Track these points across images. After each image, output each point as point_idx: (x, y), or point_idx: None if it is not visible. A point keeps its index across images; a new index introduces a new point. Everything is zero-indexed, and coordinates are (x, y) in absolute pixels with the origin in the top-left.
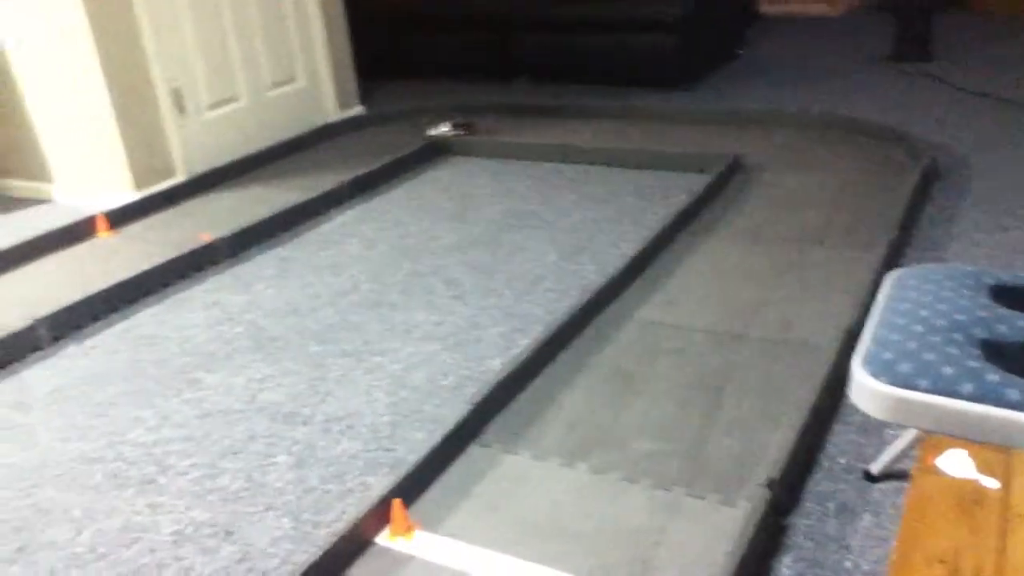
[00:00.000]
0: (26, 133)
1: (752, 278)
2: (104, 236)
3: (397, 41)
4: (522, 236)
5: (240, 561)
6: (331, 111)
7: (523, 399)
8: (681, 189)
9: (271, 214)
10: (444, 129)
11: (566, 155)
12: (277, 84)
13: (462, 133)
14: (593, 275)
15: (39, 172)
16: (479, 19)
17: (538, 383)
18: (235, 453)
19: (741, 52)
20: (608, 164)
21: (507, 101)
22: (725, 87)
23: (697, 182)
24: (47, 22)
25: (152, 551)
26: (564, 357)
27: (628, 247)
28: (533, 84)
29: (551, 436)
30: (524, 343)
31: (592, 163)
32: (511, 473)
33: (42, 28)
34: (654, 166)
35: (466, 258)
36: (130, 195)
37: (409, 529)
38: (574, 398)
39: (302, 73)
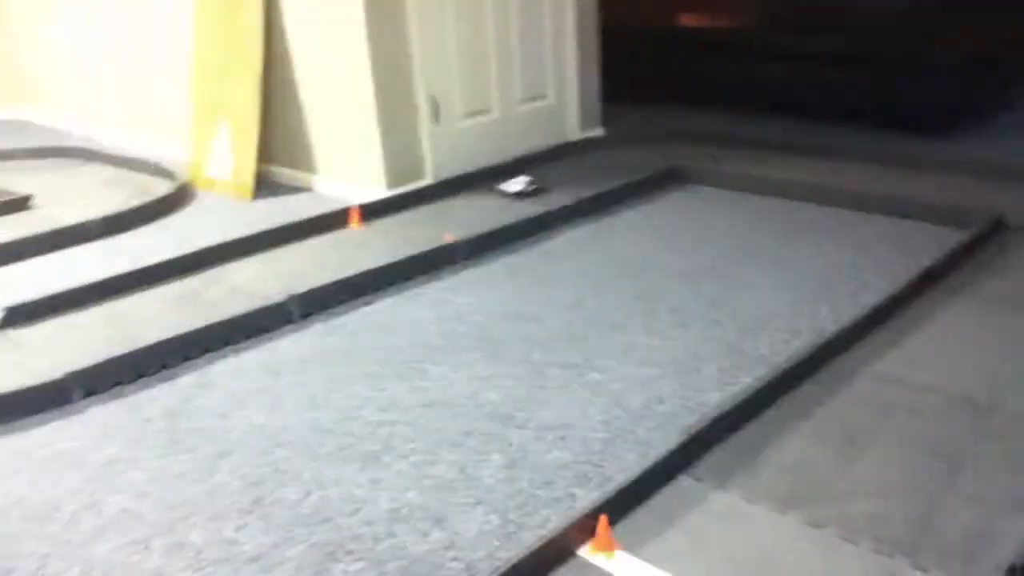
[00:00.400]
0: (298, 127)
1: (1007, 347)
2: (357, 227)
3: (644, 67)
4: (752, 271)
5: (447, 548)
6: (574, 130)
7: (740, 438)
8: (933, 242)
9: (508, 223)
10: (516, 186)
11: (808, 194)
12: (526, 100)
13: (531, 191)
14: (825, 321)
15: (304, 163)
16: (729, 49)
17: (757, 424)
18: (452, 444)
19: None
20: (855, 208)
21: (749, 133)
22: (989, 139)
23: (951, 237)
24: (329, 27)
25: (369, 524)
26: (788, 401)
27: (868, 297)
28: (777, 117)
29: (766, 480)
30: (744, 380)
31: (836, 205)
32: (720, 510)
33: (323, 33)
34: (904, 214)
35: (692, 287)
36: (382, 192)
37: (612, 547)
38: (794, 445)
39: (551, 91)
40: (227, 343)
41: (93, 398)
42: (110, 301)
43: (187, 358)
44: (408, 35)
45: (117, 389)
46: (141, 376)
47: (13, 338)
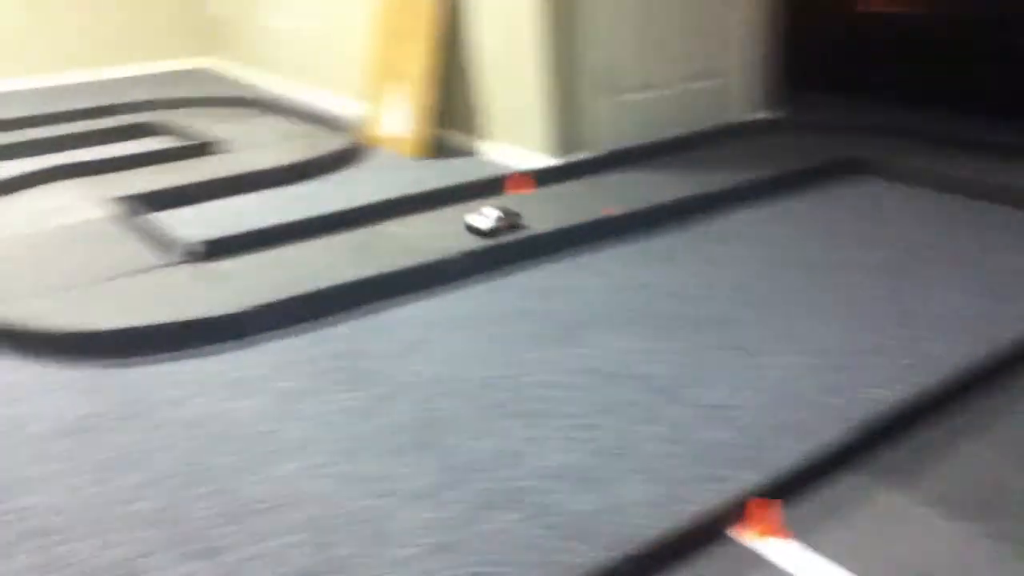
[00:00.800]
0: (469, 91)
1: None
2: (520, 193)
3: (832, 54)
4: (933, 270)
5: (600, 512)
6: (746, 110)
7: (914, 439)
8: None
9: (672, 200)
10: (486, 222)
11: (998, 194)
12: (697, 77)
13: (502, 227)
14: (1012, 327)
15: (474, 127)
16: (921, 40)
17: (933, 427)
18: (613, 413)
19: None
20: None
21: (934, 128)
22: None
23: None
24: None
25: (525, 478)
26: (968, 408)
27: None
28: (967, 115)
29: (938, 485)
30: (922, 381)
31: None
32: (886, 510)
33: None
34: None
35: (865, 281)
36: (547, 160)
37: (769, 532)
38: (971, 453)
39: (723, 70)
40: (397, 293)
41: (273, 332)
42: (290, 244)
43: (358, 304)
44: (580, 9)
45: (295, 327)
46: (317, 316)
47: (200, 270)
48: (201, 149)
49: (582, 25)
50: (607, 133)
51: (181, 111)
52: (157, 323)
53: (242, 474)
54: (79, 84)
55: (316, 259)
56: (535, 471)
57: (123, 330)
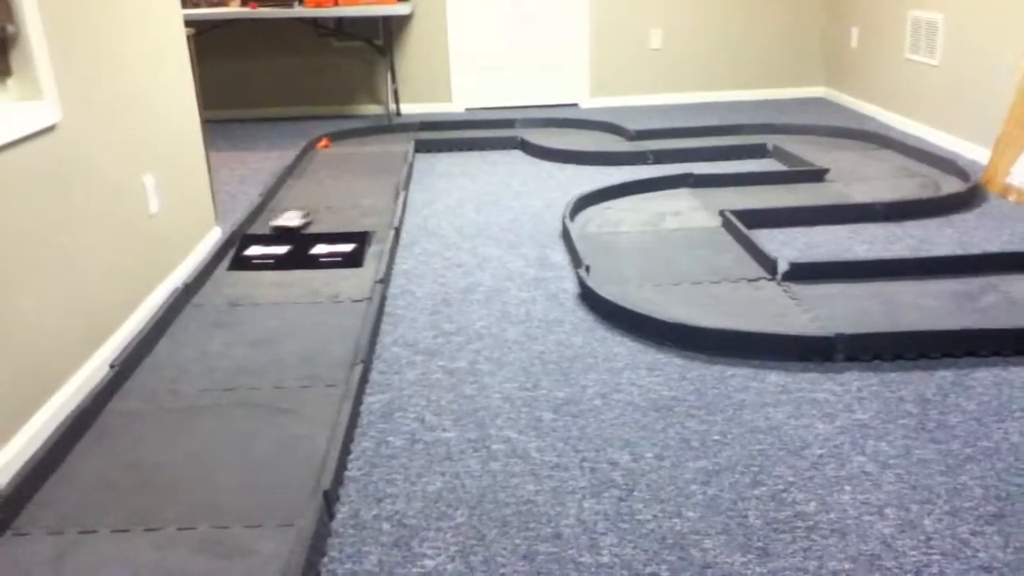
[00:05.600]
0: None
1: None
2: None
3: None
4: None
5: None
6: None
7: None
8: None
9: None
10: (288, 219)
11: None
12: None
13: (304, 224)
14: None
15: None
16: None
17: None
18: None
19: None
20: None
21: None
22: None
23: None
24: None
25: None
26: None
27: None
28: None
29: None
30: None
31: None
32: None
33: None
34: None
35: None
36: None
37: None
38: None
39: None
40: (994, 352)
41: (853, 363)
42: (883, 281)
43: (947, 355)
44: None
45: (876, 363)
46: (899, 357)
47: (792, 291)
48: (814, 175)
49: None
50: None
51: (797, 137)
52: (752, 331)
53: (800, 490)
54: (703, 104)
55: (911, 300)
56: None
57: (718, 330)
